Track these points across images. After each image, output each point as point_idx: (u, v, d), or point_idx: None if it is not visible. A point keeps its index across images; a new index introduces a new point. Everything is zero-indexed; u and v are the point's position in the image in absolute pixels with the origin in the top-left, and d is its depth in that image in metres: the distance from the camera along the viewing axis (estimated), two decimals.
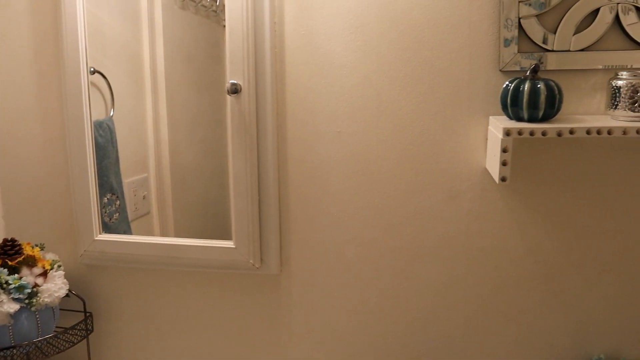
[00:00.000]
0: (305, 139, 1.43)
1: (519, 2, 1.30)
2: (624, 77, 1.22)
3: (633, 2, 1.28)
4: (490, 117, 1.33)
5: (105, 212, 1.61)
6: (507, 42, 1.31)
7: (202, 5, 1.64)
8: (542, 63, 1.32)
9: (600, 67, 1.32)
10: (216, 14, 1.59)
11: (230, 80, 1.39)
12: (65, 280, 1.48)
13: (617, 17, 1.29)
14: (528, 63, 1.30)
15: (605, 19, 1.30)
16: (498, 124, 1.24)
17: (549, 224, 1.39)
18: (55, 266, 1.47)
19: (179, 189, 1.70)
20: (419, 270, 1.45)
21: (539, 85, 1.20)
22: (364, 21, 1.36)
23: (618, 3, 1.29)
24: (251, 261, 1.46)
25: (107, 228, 1.59)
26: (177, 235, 1.65)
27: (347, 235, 1.45)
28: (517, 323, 1.45)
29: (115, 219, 1.64)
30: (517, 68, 1.32)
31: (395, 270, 1.46)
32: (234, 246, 1.46)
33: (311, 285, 1.50)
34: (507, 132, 1.20)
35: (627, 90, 1.21)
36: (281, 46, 1.40)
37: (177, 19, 1.66)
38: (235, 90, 1.38)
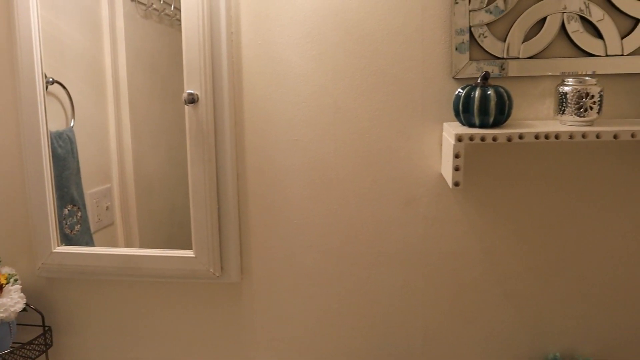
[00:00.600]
0: (263, 147, 1.43)
1: (470, 11, 1.33)
2: (570, 83, 1.26)
3: (577, 12, 1.33)
4: (444, 123, 1.36)
5: (66, 224, 1.58)
6: (459, 50, 1.34)
7: (166, 14, 1.63)
8: (504, 69, 1.35)
9: (549, 74, 1.36)
10: (180, 22, 1.59)
11: (187, 90, 1.39)
12: (22, 294, 1.46)
13: (563, 26, 1.34)
14: (481, 70, 1.34)
15: (552, 27, 1.34)
16: (451, 130, 1.27)
17: (504, 227, 1.42)
18: (12, 280, 1.44)
19: (143, 198, 1.68)
20: (379, 275, 1.46)
21: (489, 92, 1.23)
22: (319, 31, 1.37)
23: (563, 12, 1.33)
24: (211, 270, 1.45)
25: (68, 240, 1.57)
26: (142, 246, 1.63)
27: (306, 243, 1.46)
28: (475, 325, 1.47)
29: (77, 231, 1.62)
30: (469, 75, 1.35)
31: (355, 276, 1.47)
32: (193, 255, 1.45)
33: (272, 293, 1.51)
34: (459, 138, 1.22)
35: (572, 96, 1.25)
36: (238, 56, 1.41)
37: (139, 28, 1.65)
38: (192, 100, 1.38)
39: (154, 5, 1.59)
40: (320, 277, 1.48)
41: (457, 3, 1.33)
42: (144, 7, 1.61)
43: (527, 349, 1.47)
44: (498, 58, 1.35)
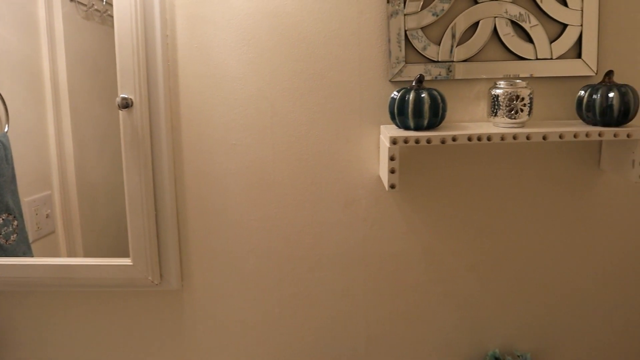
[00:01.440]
0: (201, 152, 1.41)
1: (405, 14, 1.35)
2: (502, 86, 1.28)
3: (508, 16, 1.36)
4: (381, 126, 1.37)
5: (1, 234, 1.52)
6: (394, 54, 1.36)
7: (109, 15, 1.59)
8: (451, 72, 1.37)
9: (484, 76, 1.38)
10: None
11: (121, 95, 1.35)
12: None
13: (495, 30, 1.37)
14: (416, 73, 1.35)
15: (484, 31, 1.36)
16: (387, 133, 1.28)
17: (443, 228, 1.44)
18: None
19: (87, 205, 1.63)
20: (320, 278, 1.46)
21: (422, 95, 1.25)
22: (255, 34, 1.36)
23: (495, 17, 1.36)
24: (150, 277, 1.42)
25: (3, 250, 1.51)
26: (87, 255, 1.59)
27: (247, 247, 1.45)
28: (416, 324, 1.49)
29: (13, 241, 1.56)
30: (405, 78, 1.36)
31: (297, 279, 1.47)
32: (131, 263, 1.42)
33: (214, 299, 1.49)
34: (394, 141, 1.23)
35: (504, 98, 1.28)
36: (174, 59, 1.39)
37: (80, 30, 1.60)
38: (126, 104, 1.35)
39: (95, 6, 1.55)
40: (261, 281, 1.47)
41: (392, 6, 1.34)
42: (84, 8, 1.56)
43: (468, 346, 1.50)
44: (433, 61, 1.37)
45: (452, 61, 1.37)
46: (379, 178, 1.41)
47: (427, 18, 1.35)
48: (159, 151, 1.39)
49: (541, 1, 1.35)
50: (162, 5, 1.36)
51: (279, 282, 1.47)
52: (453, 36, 1.36)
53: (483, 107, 1.39)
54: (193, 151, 1.41)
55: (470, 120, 1.39)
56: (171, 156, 1.40)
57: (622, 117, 1.27)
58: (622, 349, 1.51)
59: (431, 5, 1.35)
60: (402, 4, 1.34)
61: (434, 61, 1.37)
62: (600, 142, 1.42)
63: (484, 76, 1.38)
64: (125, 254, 1.44)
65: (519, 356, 1.47)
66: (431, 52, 1.36)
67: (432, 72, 1.36)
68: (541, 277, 1.47)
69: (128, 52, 1.34)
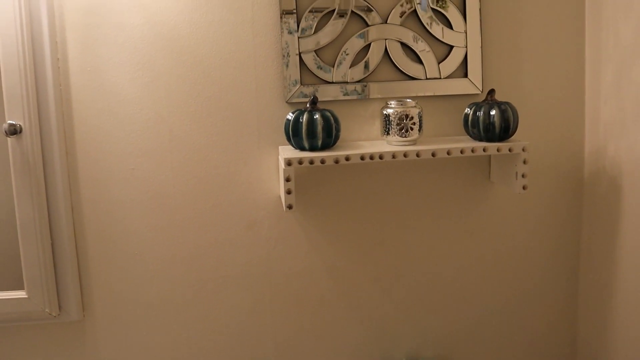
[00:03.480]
0: (98, 178, 1.38)
1: (299, 37, 1.38)
2: (392, 106, 1.34)
3: (397, 39, 1.42)
4: (280, 147, 1.39)
5: None
6: (289, 76, 1.39)
7: None
8: (345, 92, 1.41)
9: (378, 96, 1.44)
10: None
11: (8, 121, 1.30)
12: None
13: (386, 51, 1.43)
14: (311, 94, 1.39)
15: (376, 53, 1.42)
16: (283, 154, 1.30)
17: (343, 244, 1.48)
18: None
19: None
20: (226, 300, 1.46)
21: (315, 116, 1.28)
22: (150, 57, 1.35)
23: (386, 39, 1.42)
24: (47, 310, 1.37)
25: None
26: None
27: (150, 273, 1.43)
28: (324, 339, 1.52)
29: None
30: (301, 99, 1.39)
31: (202, 302, 1.46)
32: (26, 296, 1.36)
33: (118, 327, 1.45)
34: (289, 162, 1.26)
35: (395, 117, 1.33)
36: (66, 83, 1.35)
37: None
38: (14, 131, 1.30)
39: None
40: (166, 307, 1.45)
41: (286, 29, 1.37)
42: None
43: (376, 357, 1.54)
44: (328, 82, 1.41)
45: (346, 82, 1.42)
46: (279, 198, 1.43)
47: (321, 40, 1.39)
48: (52, 178, 1.34)
49: (428, 24, 1.43)
50: (51, 28, 1.32)
51: (184, 306, 1.45)
52: (346, 58, 1.41)
53: (377, 125, 1.45)
54: (90, 177, 1.38)
55: (366, 138, 1.44)
56: (66, 183, 1.36)
57: (504, 133, 1.35)
58: (521, 350, 1.60)
59: (324, 28, 1.39)
60: (296, 27, 1.37)
61: (328, 82, 1.41)
62: (489, 156, 1.50)
63: (378, 96, 1.43)
64: (20, 286, 1.38)
65: None
66: (325, 73, 1.40)
67: (327, 92, 1.41)
68: (441, 286, 1.54)
69: (15, 77, 1.30)
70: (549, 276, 1.58)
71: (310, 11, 1.38)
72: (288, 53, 1.38)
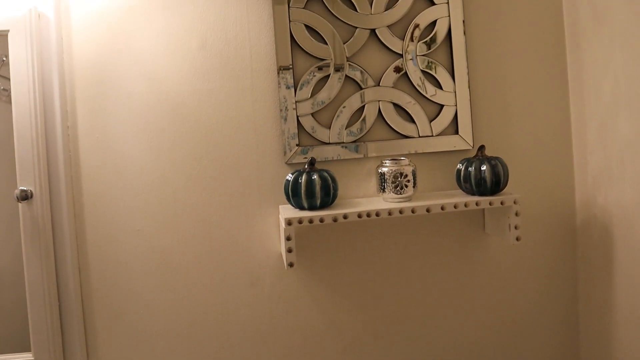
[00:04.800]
0: (105, 239, 1.43)
1: (297, 102, 1.46)
2: (387, 164, 1.40)
3: (390, 100, 1.50)
4: (280, 206, 1.44)
5: None
6: (288, 138, 1.45)
7: None
8: (342, 152, 1.47)
9: (374, 155, 1.50)
10: None
11: (20, 187, 1.36)
12: None
13: (380, 112, 1.50)
14: (310, 154, 1.45)
15: (371, 114, 1.49)
16: (283, 214, 1.35)
17: (344, 299, 1.51)
18: None
19: None
20: (230, 357, 1.48)
21: (313, 177, 1.34)
22: (156, 124, 1.43)
23: (379, 101, 1.50)
24: None
25: None
26: None
27: (155, 331, 1.45)
28: None
29: None
30: (300, 160, 1.46)
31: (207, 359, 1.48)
32: (33, 358, 1.39)
33: None
34: (289, 222, 1.31)
35: (390, 175, 1.39)
36: (75, 149, 1.42)
37: None
38: (25, 196, 1.36)
39: (2, 86, 1.55)
40: None
41: (284, 94, 1.45)
42: None
43: None
44: (325, 143, 1.48)
45: (343, 142, 1.48)
46: (281, 255, 1.47)
47: (317, 104, 1.47)
48: (61, 241, 1.39)
49: (419, 86, 1.51)
50: (62, 98, 1.40)
51: None
52: (342, 119, 1.48)
53: (374, 183, 1.50)
54: (97, 240, 1.43)
55: (364, 195, 1.50)
56: (74, 245, 1.41)
57: (495, 187, 1.41)
58: None
59: (320, 92, 1.47)
60: (293, 93, 1.45)
61: (325, 143, 1.48)
62: (483, 208, 1.55)
63: (374, 154, 1.50)
64: (27, 348, 1.41)
65: None
66: (322, 134, 1.47)
67: (325, 153, 1.47)
68: (441, 338, 1.56)
69: (27, 145, 1.37)
70: (548, 324, 1.60)
71: (309, 73, 1.45)
72: (286, 118, 1.45)
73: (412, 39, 1.50)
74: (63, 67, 1.40)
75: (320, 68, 1.46)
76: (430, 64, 1.51)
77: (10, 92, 1.41)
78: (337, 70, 1.47)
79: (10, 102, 1.52)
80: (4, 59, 1.40)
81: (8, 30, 1.36)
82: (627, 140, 1.36)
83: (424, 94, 1.51)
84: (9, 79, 1.39)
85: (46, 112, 1.39)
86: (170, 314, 1.45)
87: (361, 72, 1.48)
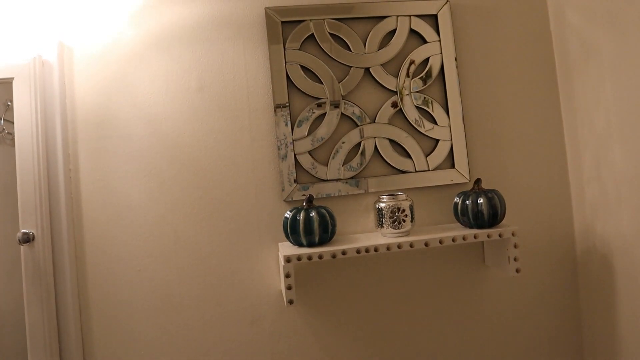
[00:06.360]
0: (106, 281, 1.44)
1: (294, 140, 1.48)
2: (384, 200, 1.41)
3: (386, 136, 1.52)
4: (279, 243, 1.45)
5: None
6: (286, 176, 1.48)
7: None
8: (340, 189, 1.49)
9: (373, 190, 1.52)
10: None
11: (22, 230, 1.38)
12: None
13: (376, 148, 1.52)
14: (308, 192, 1.47)
15: (367, 150, 1.52)
16: (282, 251, 1.36)
17: (345, 335, 1.50)
18: None
19: None
20: None
21: (311, 214, 1.35)
22: (156, 165, 1.45)
23: (375, 137, 1.52)
24: None
25: None
26: None
27: None
28: None
29: None
30: (298, 197, 1.47)
31: None
32: None
33: None
34: (288, 259, 1.32)
35: (387, 211, 1.40)
36: (77, 192, 1.44)
37: None
38: (27, 239, 1.37)
39: (7, 130, 1.58)
40: None
41: (281, 133, 1.47)
42: None
43: None
44: (323, 180, 1.49)
45: (340, 179, 1.50)
46: (281, 292, 1.47)
47: (314, 142, 1.49)
48: (62, 284, 1.40)
49: (416, 121, 1.53)
50: (64, 141, 1.43)
51: None
52: (339, 157, 1.50)
53: (372, 218, 1.52)
54: (98, 280, 1.43)
55: (362, 231, 1.51)
56: (76, 288, 1.42)
57: (493, 219, 1.42)
58: None
59: (316, 130, 1.49)
60: (290, 131, 1.48)
61: (323, 180, 1.49)
62: (482, 241, 1.56)
63: (371, 190, 1.51)
64: None
65: None
66: (320, 172, 1.49)
67: (323, 190, 1.49)
68: None
69: (30, 188, 1.39)
70: (552, 357, 1.58)
71: (305, 112, 1.48)
72: (285, 156, 1.48)
73: (407, 75, 1.53)
74: (65, 111, 1.44)
75: (318, 105, 1.49)
76: (425, 100, 1.54)
77: (14, 136, 1.46)
78: (333, 107, 1.50)
79: (14, 146, 1.56)
80: (9, 103, 1.44)
81: (13, 78, 1.40)
82: (622, 170, 1.38)
83: (420, 130, 1.54)
84: (13, 123, 1.43)
85: (49, 155, 1.42)
86: (171, 354, 1.44)
87: (357, 109, 1.51)
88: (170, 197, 1.45)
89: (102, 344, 1.43)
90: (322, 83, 1.51)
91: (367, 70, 1.53)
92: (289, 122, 1.48)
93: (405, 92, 1.53)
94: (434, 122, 1.55)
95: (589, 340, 1.58)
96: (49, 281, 1.39)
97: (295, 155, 1.48)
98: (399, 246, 1.37)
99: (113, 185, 1.44)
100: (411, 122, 1.54)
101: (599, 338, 1.52)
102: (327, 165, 1.50)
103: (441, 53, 1.54)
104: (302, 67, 1.50)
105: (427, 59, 1.55)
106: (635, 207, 1.34)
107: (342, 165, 1.51)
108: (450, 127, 1.55)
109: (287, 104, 1.48)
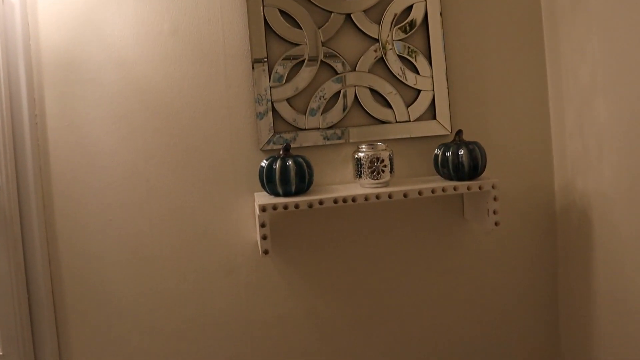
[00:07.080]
0: (76, 230, 1.39)
1: (271, 87, 1.43)
2: (363, 150, 1.38)
3: (367, 86, 1.48)
4: (255, 193, 1.42)
5: None
6: (262, 123, 1.43)
7: None
8: (318, 138, 1.45)
9: (352, 141, 1.48)
10: None
11: None
12: None
13: (356, 98, 1.48)
14: (284, 141, 1.43)
15: (346, 99, 1.47)
16: (257, 201, 1.33)
17: (321, 287, 1.49)
18: None
19: None
20: (207, 348, 1.45)
21: (288, 163, 1.31)
22: (127, 110, 1.39)
23: (355, 86, 1.47)
24: None
25: None
26: None
27: (130, 323, 1.42)
28: None
29: None
30: (275, 147, 1.43)
31: (183, 352, 1.44)
32: (1, 353, 1.35)
33: None
34: (263, 208, 1.28)
35: (366, 161, 1.37)
36: (44, 139, 1.38)
37: None
38: None
39: None
40: (147, 357, 1.43)
41: (258, 80, 1.42)
42: None
43: None
44: (300, 129, 1.45)
45: (319, 128, 1.46)
46: (257, 244, 1.45)
47: (292, 89, 1.44)
48: (29, 233, 1.35)
49: (399, 75, 1.49)
50: (29, 85, 1.36)
51: (165, 356, 1.44)
52: (318, 106, 1.46)
53: (351, 169, 1.48)
54: (67, 230, 1.39)
55: (340, 182, 1.48)
56: (44, 237, 1.37)
57: (473, 171, 1.39)
58: None
59: (295, 77, 1.44)
60: (268, 78, 1.42)
61: (301, 129, 1.45)
62: (462, 194, 1.54)
63: (352, 140, 1.48)
64: None
65: None
66: (299, 121, 1.45)
67: (301, 139, 1.45)
68: (420, 325, 1.54)
69: None
70: (529, 309, 1.59)
71: (283, 59, 1.43)
72: (261, 102, 1.43)
73: (390, 24, 1.48)
74: (29, 53, 1.36)
75: (296, 56, 1.44)
76: (409, 49, 1.49)
77: None
78: (312, 55, 1.45)
79: None
80: None
81: None
82: (604, 126, 1.35)
83: (404, 81, 1.49)
84: None
85: (12, 100, 1.35)
86: (144, 306, 1.42)
87: (337, 57, 1.46)
88: (142, 144, 1.40)
89: (72, 295, 1.40)
90: (301, 28, 1.44)
91: (348, 16, 1.47)
92: (267, 69, 1.42)
93: (389, 46, 1.48)
94: (416, 71, 1.50)
95: (564, 291, 1.59)
96: (16, 230, 1.34)
97: (272, 102, 1.43)
98: (378, 197, 1.34)
99: (82, 132, 1.38)
100: (392, 71, 1.49)
101: (575, 290, 1.53)
102: (305, 114, 1.45)
103: (425, 1, 1.49)
104: (281, 12, 1.44)
105: (410, 8, 1.49)
106: (616, 163, 1.33)
107: (322, 114, 1.46)
108: (432, 77, 1.50)
109: (265, 53, 1.42)
